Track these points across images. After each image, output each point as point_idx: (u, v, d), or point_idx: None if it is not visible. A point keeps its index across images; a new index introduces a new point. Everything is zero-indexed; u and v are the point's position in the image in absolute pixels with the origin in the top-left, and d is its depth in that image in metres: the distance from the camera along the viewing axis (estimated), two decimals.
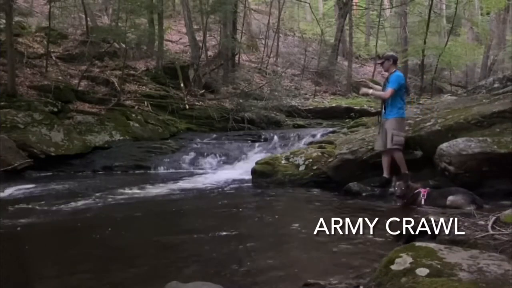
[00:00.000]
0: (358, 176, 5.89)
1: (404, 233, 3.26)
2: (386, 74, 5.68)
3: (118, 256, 3.41)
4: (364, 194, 5.61)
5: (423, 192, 4.81)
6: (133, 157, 9.43)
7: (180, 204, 5.57)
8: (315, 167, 6.45)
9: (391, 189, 5.29)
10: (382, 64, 5.76)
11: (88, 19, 14.69)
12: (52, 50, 12.81)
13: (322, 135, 9.76)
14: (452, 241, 2.65)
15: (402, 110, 5.51)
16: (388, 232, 3.59)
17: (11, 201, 5.75)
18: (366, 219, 4.32)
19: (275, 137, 10.49)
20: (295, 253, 3.24)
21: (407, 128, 5.90)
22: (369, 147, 5.92)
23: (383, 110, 5.60)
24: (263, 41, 19.90)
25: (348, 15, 18.85)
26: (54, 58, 12.67)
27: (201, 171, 8.82)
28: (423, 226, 3.10)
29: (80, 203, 5.40)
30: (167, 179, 7.46)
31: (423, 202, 4.72)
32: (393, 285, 1.98)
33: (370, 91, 5.85)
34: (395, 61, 5.62)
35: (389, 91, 5.40)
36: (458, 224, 2.91)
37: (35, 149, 8.79)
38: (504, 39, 22.00)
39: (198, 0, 15.87)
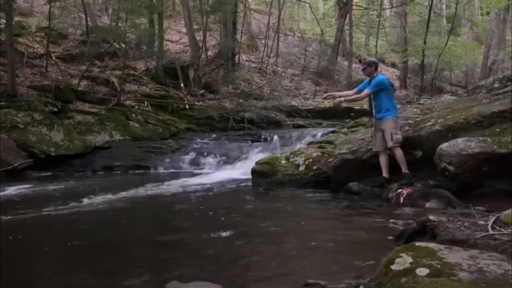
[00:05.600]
0: (358, 176, 5.90)
1: (404, 233, 3.25)
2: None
3: (118, 256, 3.41)
4: (364, 194, 5.63)
5: (403, 192, 5.00)
6: (133, 157, 9.44)
7: (180, 204, 5.57)
8: (315, 167, 6.45)
9: (383, 195, 5.37)
10: (363, 70, 6.00)
11: (88, 19, 14.69)
12: (52, 50, 12.81)
13: (322, 135, 9.76)
14: (452, 241, 2.64)
15: (395, 109, 5.70)
16: (388, 232, 3.59)
17: (11, 201, 5.76)
18: (366, 219, 4.33)
19: (275, 137, 10.48)
20: (295, 253, 3.24)
21: (407, 128, 5.94)
22: (369, 147, 5.92)
23: (374, 112, 5.76)
24: (263, 41, 19.90)
25: (348, 15, 18.87)
26: (54, 58, 12.67)
27: (201, 171, 8.82)
28: (423, 226, 3.10)
29: (80, 203, 5.39)
30: (167, 179, 7.45)
31: (401, 201, 4.92)
32: (393, 285, 1.98)
33: (342, 98, 5.99)
34: (376, 67, 5.84)
35: (365, 92, 5.67)
36: (458, 224, 2.91)
37: (35, 149, 8.79)
38: (504, 39, 22.02)
39: (198, 0, 15.87)
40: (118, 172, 8.94)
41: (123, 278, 2.83)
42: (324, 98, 7.23)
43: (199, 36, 16.18)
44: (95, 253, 3.47)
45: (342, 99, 5.96)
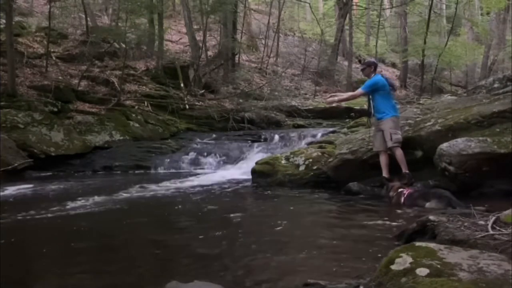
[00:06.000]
0: (358, 176, 5.90)
1: (404, 233, 3.25)
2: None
3: (118, 256, 3.41)
4: (364, 194, 5.63)
5: (405, 191, 5.01)
6: (133, 157, 9.44)
7: (180, 204, 5.57)
8: (315, 167, 6.45)
9: (382, 192, 5.36)
10: (363, 70, 6.08)
11: (88, 19, 14.69)
12: (52, 50, 12.81)
13: (322, 135, 9.75)
14: (452, 241, 2.64)
15: (395, 109, 5.69)
16: (388, 232, 3.60)
17: (11, 201, 5.76)
18: (366, 219, 4.33)
19: (275, 137, 10.49)
20: (295, 253, 3.24)
21: (407, 128, 5.94)
22: (369, 147, 5.92)
23: (372, 112, 5.77)
24: (263, 41, 19.90)
25: (348, 15, 18.86)
26: (54, 58, 12.67)
27: (201, 171, 8.82)
28: (423, 226, 3.10)
29: (80, 203, 5.40)
30: (167, 179, 7.46)
31: (402, 201, 4.93)
32: (393, 285, 1.98)
33: (336, 98, 6.15)
34: (375, 67, 5.87)
35: (358, 92, 5.82)
36: (458, 224, 2.91)
37: (35, 149, 8.79)
38: (504, 39, 22.03)
39: (198, 0, 15.88)
40: (118, 172, 8.94)
41: (123, 278, 2.83)
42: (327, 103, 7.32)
43: (199, 36, 16.18)
44: (95, 253, 3.48)
45: (336, 98, 6.13)
